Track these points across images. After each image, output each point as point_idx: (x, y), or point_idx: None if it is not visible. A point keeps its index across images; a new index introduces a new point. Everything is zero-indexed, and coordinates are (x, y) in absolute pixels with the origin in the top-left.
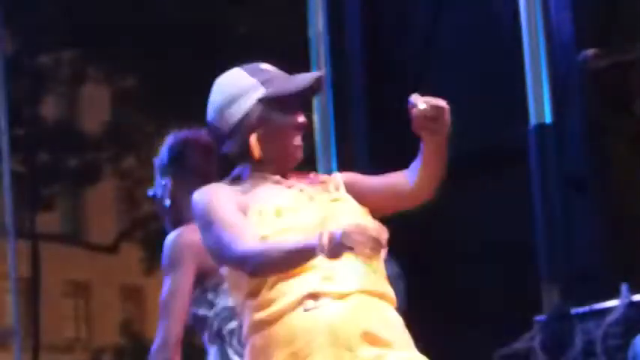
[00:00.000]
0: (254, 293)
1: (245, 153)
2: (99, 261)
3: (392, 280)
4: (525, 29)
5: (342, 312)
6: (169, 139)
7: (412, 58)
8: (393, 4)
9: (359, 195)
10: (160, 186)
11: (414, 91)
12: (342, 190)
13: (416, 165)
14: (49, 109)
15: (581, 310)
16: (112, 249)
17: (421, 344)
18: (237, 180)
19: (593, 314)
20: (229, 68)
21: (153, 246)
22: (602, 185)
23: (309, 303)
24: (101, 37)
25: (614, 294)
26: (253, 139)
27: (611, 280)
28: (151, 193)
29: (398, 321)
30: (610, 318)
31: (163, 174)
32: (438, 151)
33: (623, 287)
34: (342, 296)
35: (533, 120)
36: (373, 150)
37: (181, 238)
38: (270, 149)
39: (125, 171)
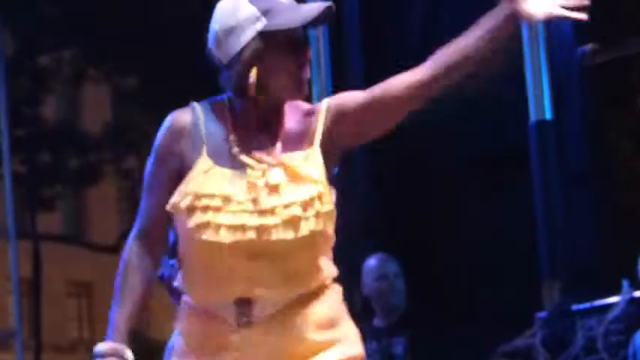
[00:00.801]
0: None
1: (240, 88)
2: (101, 261)
3: (392, 278)
4: (524, 25)
5: None
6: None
7: (409, 57)
8: (390, 5)
9: (352, 121)
10: (168, 266)
11: None
12: (316, 154)
13: (456, 44)
14: (50, 109)
15: (582, 306)
16: (114, 249)
17: (422, 341)
18: (219, 111)
19: (595, 310)
20: None
21: None
22: (602, 181)
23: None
24: (101, 37)
25: (615, 290)
26: (252, 74)
27: (612, 276)
28: (159, 273)
29: None
30: (611, 314)
31: (171, 255)
32: (504, 27)
33: (625, 283)
34: None
35: (533, 117)
36: (373, 147)
37: None
38: (269, 86)
39: (126, 171)
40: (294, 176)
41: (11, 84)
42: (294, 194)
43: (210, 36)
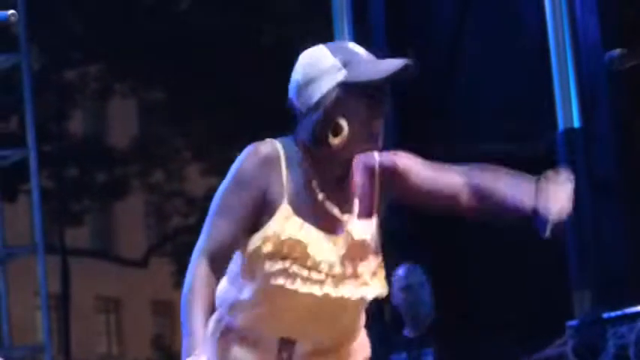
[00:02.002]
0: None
1: (318, 135)
2: (129, 276)
3: (417, 289)
4: (552, 32)
5: None
6: None
7: (438, 65)
8: (418, 12)
9: (406, 189)
10: None
11: (439, 100)
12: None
13: (490, 187)
14: (77, 124)
15: (613, 314)
16: (141, 263)
17: (451, 352)
18: (297, 155)
19: (626, 318)
20: (255, 79)
21: (182, 260)
22: (632, 189)
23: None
24: (127, 51)
25: None
26: (331, 123)
27: None
28: None
29: None
30: None
31: None
32: (524, 211)
33: None
34: None
35: (561, 124)
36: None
37: None
38: (345, 136)
39: (153, 185)
40: (364, 244)
41: (38, 99)
42: (365, 263)
43: (292, 85)
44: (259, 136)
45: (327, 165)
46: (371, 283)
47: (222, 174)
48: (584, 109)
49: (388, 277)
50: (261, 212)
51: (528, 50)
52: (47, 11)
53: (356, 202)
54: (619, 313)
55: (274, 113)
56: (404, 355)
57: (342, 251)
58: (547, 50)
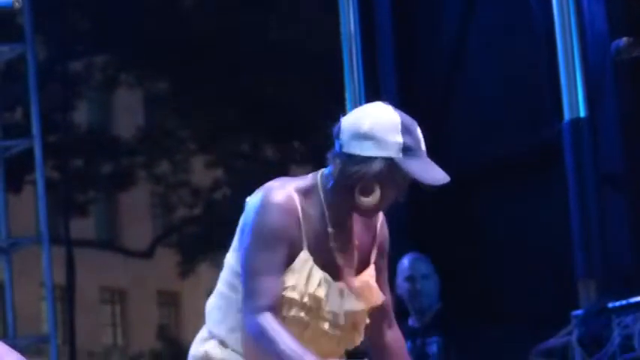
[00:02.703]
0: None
1: (345, 184)
2: (134, 266)
3: (420, 279)
4: (558, 21)
5: None
6: None
7: (444, 52)
8: (424, 4)
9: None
10: None
11: (446, 91)
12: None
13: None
14: (82, 114)
15: (618, 303)
16: (147, 254)
17: (456, 341)
18: (313, 199)
19: (631, 308)
20: (261, 72)
21: (188, 250)
22: (637, 179)
23: None
24: (133, 42)
25: None
26: (363, 184)
27: None
28: None
29: None
30: None
31: None
32: None
33: None
34: None
35: (567, 115)
36: None
37: None
38: (365, 199)
39: (159, 176)
40: (368, 292)
41: (43, 90)
42: (365, 307)
43: (353, 125)
44: (263, 129)
45: (339, 211)
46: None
47: (228, 166)
48: (590, 99)
49: (393, 267)
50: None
51: (534, 40)
52: (53, 1)
53: (356, 255)
54: (624, 302)
55: (278, 107)
56: (408, 344)
57: (346, 305)
58: (553, 39)
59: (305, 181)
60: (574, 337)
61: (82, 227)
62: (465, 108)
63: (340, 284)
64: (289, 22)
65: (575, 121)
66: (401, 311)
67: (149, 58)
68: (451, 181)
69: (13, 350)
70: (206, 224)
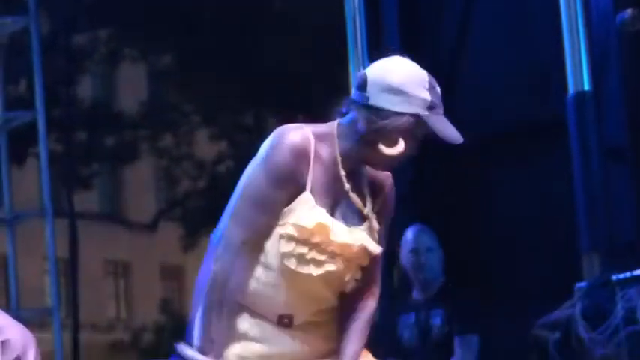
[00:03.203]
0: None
1: (366, 136)
2: (138, 240)
3: (424, 252)
4: None
5: None
6: None
7: (449, 25)
8: None
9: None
10: None
11: (451, 63)
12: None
13: (344, 324)
14: (86, 88)
15: (621, 276)
16: (150, 227)
17: (460, 314)
18: (327, 143)
19: (634, 280)
20: (265, 45)
21: (192, 224)
22: None
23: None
24: (136, 16)
25: None
26: (388, 136)
27: None
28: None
29: None
30: None
31: None
32: None
33: None
34: None
35: (571, 88)
36: None
37: None
38: (383, 151)
39: (163, 150)
40: (372, 236)
41: (47, 63)
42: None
43: (378, 76)
44: (268, 102)
45: (354, 160)
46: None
47: (231, 139)
48: (595, 72)
49: (398, 239)
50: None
51: (539, 14)
52: None
53: (369, 202)
54: (628, 275)
55: (282, 80)
56: (412, 315)
57: (358, 240)
58: (558, 12)
59: (321, 127)
60: (577, 310)
61: (86, 200)
62: (469, 81)
63: (341, 221)
64: None
65: (580, 95)
66: (405, 283)
67: (153, 31)
68: (456, 154)
69: (17, 322)
70: (210, 197)
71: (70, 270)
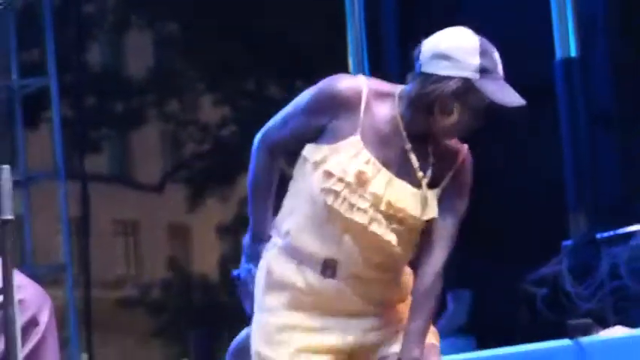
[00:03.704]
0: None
1: (420, 102)
2: (146, 200)
3: None
4: None
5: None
6: None
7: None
8: None
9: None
10: (245, 270)
11: (444, 26)
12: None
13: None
14: (95, 56)
15: (606, 234)
16: (157, 188)
17: (453, 270)
18: (387, 103)
19: (619, 238)
20: (266, 15)
21: (197, 185)
22: (627, 116)
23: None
24: None
25: (638, 219)
26: (442, 102)
27: (636, 207)
28: (235, 273)
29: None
30: (634, 242)
31: (250, 258)
32: None
33: None
34: None
35: (559, 54)
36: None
37: None
38: (441, 119)
39: (169, 114)
40: (430, 203)
41: (58, 32)
42: (419, 214)
43: (432, 45)
44: (269, 69)
45: (415, 125)
46: (406, 236)
47: (234, 104)
48: (582, 38)
49: None
50: (321, 134)
51: None
52: None
53: (430, 169)
54: (612, 233)
55: (282, 48)
56: None
57: (402, 192)
58: None
59: (386, 86)
60: (564, 266)
61: (96, 163)
62: None
63: (390, 175)
64: None
65: (567, 60)
66: None
67: (159, 0)
68: None
69: (33, 282)
70: (214, 160)
71: (81, 229)
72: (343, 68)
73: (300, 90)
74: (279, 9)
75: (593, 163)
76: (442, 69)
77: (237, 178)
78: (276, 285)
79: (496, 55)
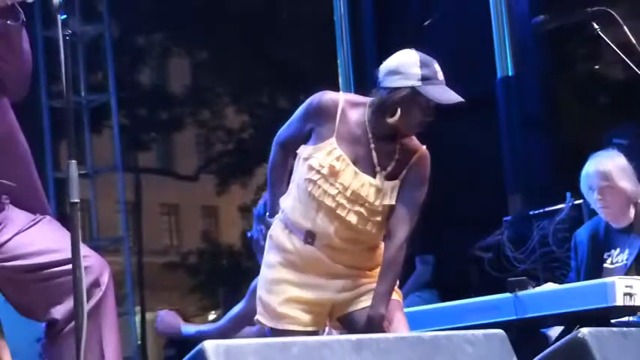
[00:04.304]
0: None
1: (381, 108)
2: (184, 188)
3: None
4: (492, 5)
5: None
6: (265, 196)
7: (412, 28)
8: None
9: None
10: (257, 231)
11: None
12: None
13: (384, 263)
14: (146, 76)
15: (537, 211)
16: (193, 178)
17: (421, 241)
18: (359, 111)
19: (547, 214)
20: (278, 43)
21: (223, 176)
22: (553, 123)
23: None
24: (182, 22)
25: (561, 200)
26: (393, 108)
27: (559, 190)
28: (249, 234)
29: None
30: (558, 217)
31: (259, 222)
32: None
33: (567, 195)
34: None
35: (499, 73)
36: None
37: None
38: (398, 120)
39: (202, 121)
40: (385, 192)
41: (117, 59)
42: (375, 200)
43: (385, 65)
44: (279, 86)
45: (379, 128)
46: (374, 220)
47: (252, 113)
48: (517, 61)
49: None
50: (310, 137)
51: (476, 18)
52: None
53: (392, 165)
54: (541, 210)
55: (290, 68)
56: None
57: (363, 184)
58: (489, 19)
59: (357, 98)
60: (504, 237)
61: (146, 159)
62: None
63: (356, 170)
64: (297, 4)
65: (506, 78)
66: None
67: (194, 34)
68: None
69: (95, 253)
70: (236, 156)
71: (135, 210)
72: (335, 85)
73: (303, 101)
74: (287, 40)
75: (526, 156)
76: (393, 82)
77: (255, 170)
78: (274, 247)
79: (435, 65)
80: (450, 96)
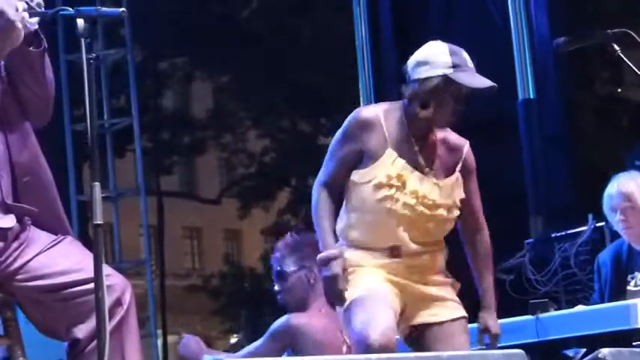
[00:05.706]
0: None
1: (411, 103)
2: (207, 211)
3: None
4: (513, 26)
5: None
6: (278, 249)
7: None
8: (417, 22)
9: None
10: (275, 260)
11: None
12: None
13: (470, 252)
14: (168, 100)
15: (559, 234)
16: (216, 202)
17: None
18: (398, 114)
19: (568, 237)
20: (297, 68)
21: (246, 199)
22: (574, 145)
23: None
24: (204, 47)
25: (583, 222)
26: (426, 98)
27: (581, 212)
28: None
29: None
30: (580, 239)
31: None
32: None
33: (590, 217)
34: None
35: (520, 95)
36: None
37: (288, 321)
38: (432, 111)
39: (224, 145)
40: (446, 189)
41: (139, 82)
42: (444, 200)
43: (412, 59)
44: (300, 111)
45: (417, 125)
46: (446, 216)
47: (273, 137)
48: (538, 83)
49: None
50: (360, 159)
51: (498, 40)
52: (146, 16)
53: (437, 163)
54: (563, 233)
55: (310, 93)
56: None
57: (429, 186)
58: (511, 41)
59: (390, 104)
60: (526, 259)
61: (169, 182)
62: None
63: (419, 174)
64: (319, 29)
65: (527, 100)
66: None
67: (216, 58)
68: None
69: (118, 273)
70: (258, 179)
71: (157, 233)
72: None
73: (324, 126)
74: (308, 64)
75: (547, 177)
76: (423, 72)
77: (276, 193)
78: (352, 264)
79: (464, 53)
80: (481, 81)
